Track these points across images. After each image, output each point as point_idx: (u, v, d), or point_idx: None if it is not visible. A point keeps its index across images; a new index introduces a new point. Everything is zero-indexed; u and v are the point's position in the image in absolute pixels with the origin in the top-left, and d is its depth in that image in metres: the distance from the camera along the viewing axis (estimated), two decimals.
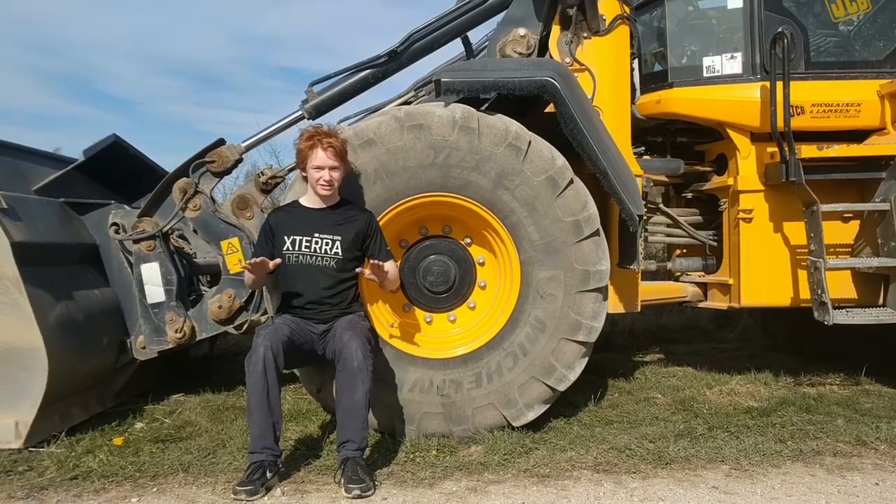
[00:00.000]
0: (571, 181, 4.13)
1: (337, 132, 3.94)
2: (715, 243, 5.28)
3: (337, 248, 3.83)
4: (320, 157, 3.77)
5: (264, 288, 4.29)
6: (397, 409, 4.12)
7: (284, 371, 3.75)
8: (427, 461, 3.81)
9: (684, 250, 5.59)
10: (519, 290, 4.18)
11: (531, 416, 4.19)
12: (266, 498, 3.38)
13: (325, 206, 3.90)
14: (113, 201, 4.97)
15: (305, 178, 3.92)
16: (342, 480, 3.42)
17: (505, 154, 4.08)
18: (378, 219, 4.08)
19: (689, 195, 5.49)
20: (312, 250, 3.83)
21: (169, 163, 5.37)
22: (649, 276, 5.58)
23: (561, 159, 4.14)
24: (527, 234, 4.14)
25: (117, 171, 5.36)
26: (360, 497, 3.34)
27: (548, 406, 4.24)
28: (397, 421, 4.13)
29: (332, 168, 3.79)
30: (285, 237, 3.85)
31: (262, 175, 4.83)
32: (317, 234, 3.84)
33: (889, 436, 4.07)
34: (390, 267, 3.93)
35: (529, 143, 4.10)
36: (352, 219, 3.89)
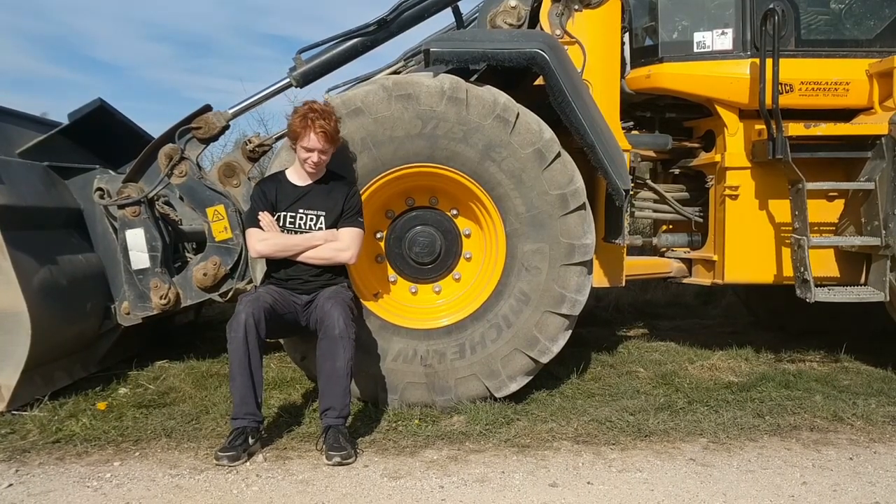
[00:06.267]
0: (559, 154, 4.13)
1: (331, 112, 3.84)
2: (701, 219, 5.30)
3: (321, 224, 3.83)
4: (312, 140, 3.73)
5: (249, 257, 4.28)
6: (381, 378, 4.14)
7: (269, 340, 3.76)
8: (409, 430, 3.85)
9: (670, 226, 5.61)
10: (504, 262, 4.19)
11: (513, 387, 4.22)
12: (248, 464, 3.40)
13: (310, 181, 3.89)
14: (98, 166, 4.94)
15: (294, 148, 3.90)
16: (324, 448, 3.46)
17: (493, 126, 4.06)
18: (364, 188, 4.08)
19: (677, 171, 5.50)
20: (297, 225, 3.83)
21: (156, 129, 5.32)
22: (635, 250, 5.61)
23: (549, 132, 4.14)
24: (513, 206, 4.14)
25: (102, 136, 5.31)
26: (340, 464, 3.37)
27: (530, 378, 4.27)
28: (380, 390, 4.15)
29: (321, 151, 3.77)
30: (273, 211, 3.84)
31: (250, 143, 4.81)
32: (301, 210, 3.84)
33: (865, 412, 4.13)
34: (343, 233, 3.83)
35: (517, 115, 4.09)
36: (335, 192, 3.88)
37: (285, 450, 3.59)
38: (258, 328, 3.48)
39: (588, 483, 3.22)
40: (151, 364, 5.09)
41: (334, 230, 3.83)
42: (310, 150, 3.76)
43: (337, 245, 3.81)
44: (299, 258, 3.79)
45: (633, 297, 7.89)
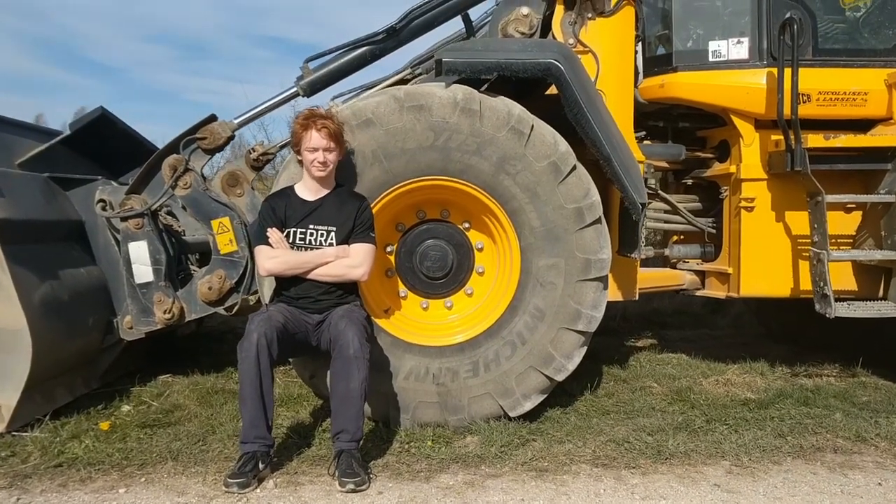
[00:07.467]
0: (574, 167, 4.03)
1: (334, 115, 3.79)
2: (714, 231, 5.20)
3: (332, 239, 3.72)
4: (314, 138, 3.64)
5: (257, 273, 4.16)
6: (392, 397, 4.03)
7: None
8: (422, 452, 3.73)
9: (681, 237, 5.52)
10: (518, 277, 4.08)
11: (528, 406, 4.11)
12: (258, 490, 3.28)
13: (320, 195, 3.78)
14: (100, 177, 4.82)
15: (301, 162, 3.80)
16: (336, 473, 3.34)
17: (507, 138, 3.96)
18: (375, 202, 3.97)
19: (689, 181, 5.40)
20: (307, 241, 3.72)
21: (156, 132, 5.23)
22: (644, 262, 5.50)
23: (564, 144, 4.03)
24: (528, 220, 4.03)
25: (104, 146, 5.20)
26: (354, 491, 3.26)
27: (545, 396, 4.17)
28: (392, 409, 4.04)
29: (326, 150, 3.66)
30: (282, 227, 3.74)
31: (254, 151, 4.71)
32: (311, 226, 3.72)
33: (888, 432, 4.03)
34: (355, 249, 3.73)
35: (532, 127, 3.99)
36: (346, 206, 3.76)
37: (296, 474, 3.47)
38: (270, 349, 3.36)
39: None
40: (154, 379, 4.97)
41: (346, 246, 3.72)
42: (314, 150, 3.65)
43: (349, 262, 3.70)
44: (310, 276, 3.68)
45: (640, 306, 7.73)
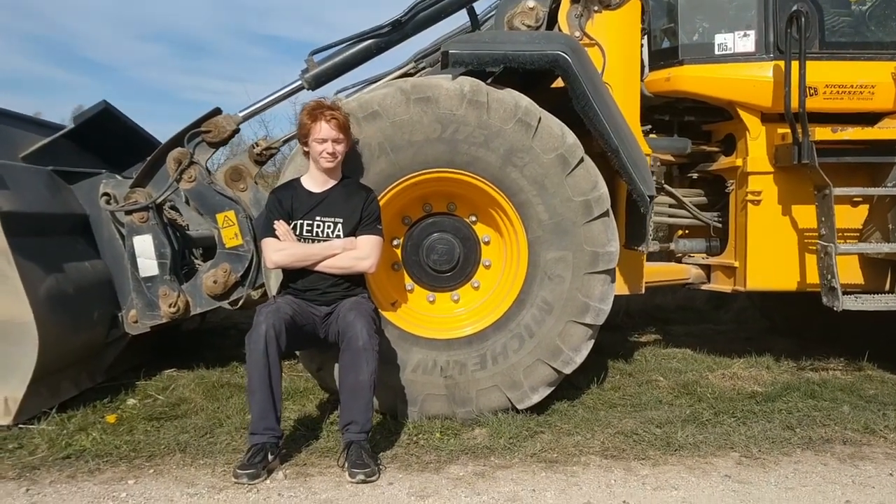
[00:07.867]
0: (582, 160, 4.02)
1: (340, 106, 3.79)
2: (720, 225, 5.19)
3: (339, 231, 3.71)
4: (324, 129, 3.63)
5: (263, 266, 4.14)
6: (400, 390, 4.02)
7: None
8: (431, 444, 3.72)
9: (686, 231, 5.51)
10: (526, 270, 4.07)
11: (536, 398, 4.10)
12: (268, 481, 3.27)
13: (326, 187, 3.77)
14: (104, 170, 4.80)
15: (307, 154, 3.79)
16: (346, 464, 3.33)
17: (514, 130, 3.95)
18: (381, 195, 3.95)
19: (694, 175, 5.39)
20: (314, 233, 3.70)
21: (155, 131, 5.18)
22: (649, 256, 5.50)
23: (572, 137, 4.02)
24: (535, 213, 4.02)
25: (107, 140, 5.17)
26: (364, 482, 3.25)
27: (552, 388, 4.16)
28: (400, 402, 4.03)
29: (335, 140, 3.65)
30: (289, 219, 3.73)
31: (257, 146, 4.69)
32: (318, 217, 3.71)
33: None
34: (362, 241, 3.71)
35: (540, 119, 3.98)
36: (353, 198, 3.75)
37: (305, 466, 3.46)
38: (278, 340, 3.35)
39: (624, 502, 3.10)
40: (159, 373, 4.95)
41: (353, 238, 3.71)
42: (323, 141, 3.64)
43: (356, 254, 3.69)
44: (317, 268, 3.67)
45: (643, 302, 7.71)
